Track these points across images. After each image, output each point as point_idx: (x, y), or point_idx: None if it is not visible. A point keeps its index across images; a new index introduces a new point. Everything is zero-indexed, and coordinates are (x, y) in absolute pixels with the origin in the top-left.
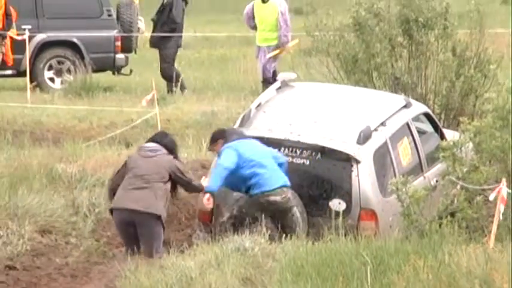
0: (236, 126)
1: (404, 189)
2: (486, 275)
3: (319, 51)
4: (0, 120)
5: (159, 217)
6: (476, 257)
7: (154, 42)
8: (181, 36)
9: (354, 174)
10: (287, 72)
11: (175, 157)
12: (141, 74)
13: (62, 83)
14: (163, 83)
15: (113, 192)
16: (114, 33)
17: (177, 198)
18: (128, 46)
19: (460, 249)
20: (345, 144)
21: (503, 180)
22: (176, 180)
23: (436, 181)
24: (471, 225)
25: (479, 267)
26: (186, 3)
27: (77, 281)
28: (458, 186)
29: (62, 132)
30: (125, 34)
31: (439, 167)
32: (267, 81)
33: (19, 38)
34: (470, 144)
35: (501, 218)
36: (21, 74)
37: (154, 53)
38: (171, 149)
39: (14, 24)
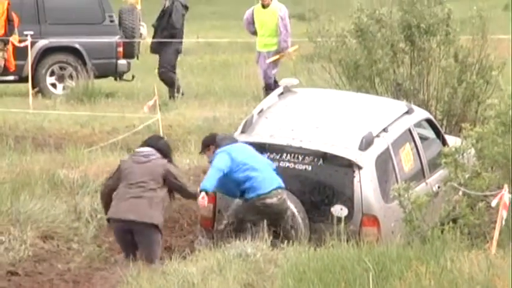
0: (238, 132)
1: (406, 195)
2: (488, 281)
3: (321, 57)
4: (2, 126)
5: (156, 226)
6: (478, 263)
7: (155, 48)
8: (181, 42)
9: (356, 180)
10: (289, 78)
11: (170, 161)
12: (143, 79)
13: (64, 88)
14: (165, 88)
15: (106, 196)
16: (116, 39)
17: (174, 199)
18: (130, 52)
19: (462, 255)
20: (347, 150)
21: (506, 186)
22: (169, 185)
23: (438, 187)
24: (473, 232)
25: (481, 273)
26: (187, 9)
27: (79, 287)
28: (460, 193)
29: (64, 138)
30: (127, 40)
31: (441, 173)
32: (268, 88)
33: (21, 45)
34: (472, 150)
35: (503, 223)
36: (23, 79)
37: (156, 58)
38: (165, 153)
39: (16, 30)
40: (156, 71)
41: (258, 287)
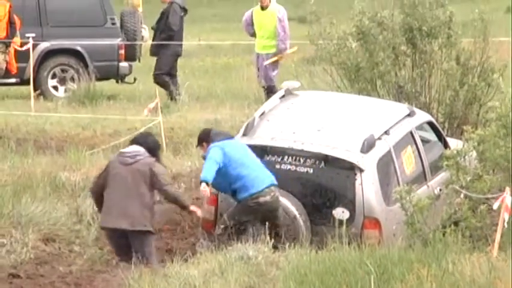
0: (240, 134)
1: (408, 198)
2: (490, 283)
3: (322, 60)
4: (4, 129)
5: (147, 230)
6: (480, 266)
7: (154, 51)
8: (180, 45)
9: (357, 182)
10: (291, 81)
11: (158, 159)
12: (144, 82)
13: (65, 91)
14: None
15: (96, 194)
16: (117, 41)
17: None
18: (131, 54)
19: (463, 258)
20: (348, 152)
21: (507, 189)
22: (152, 184)
23: (440, 190)
24: (475, 234)
25: (483, 276)
26: (185, 11)
27: None
28: (462, 195)
29: (66, 141)
30: (129, 42)
31: (442, 175)
32: (270, 90)
33: (23, 48)
34: (474, 153)
35: (505, 226)
36: (24, 82)
37: None
38: (153, 150)
39: (18, 32)
40: (153, 73)
41: None
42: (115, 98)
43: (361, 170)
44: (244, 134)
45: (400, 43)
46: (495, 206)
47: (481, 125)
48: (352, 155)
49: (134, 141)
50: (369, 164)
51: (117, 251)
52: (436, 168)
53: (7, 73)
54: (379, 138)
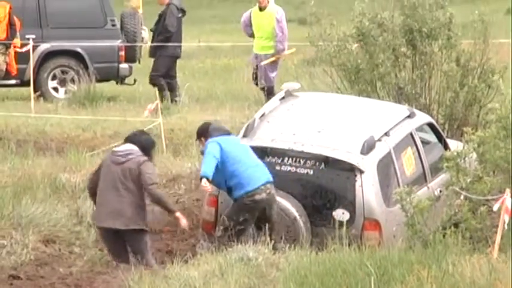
0: (240, 136)
1: (408, 199)
2: (490, 285)
3: (322, 61)
4: (4, 130)
5: (141, 229)
6: (480, 268)
7: (152, 53)
8: (179, 47)
9: (357, 184)
10: (291, 82)
11: (150, 158)
12: (145, 83)
13: (65, 92)
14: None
15: (91, 191)
16: (118, 43)
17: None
18: (131, 56)
19: (463, 260)
20: (348, 154)
21: (507, 190)
22: (141, 184)
23: (440, 191)
24: (475, 236)
25: (483, 277)
26: (183, 12)
27: None
28: (462, 197)
29: (66, 142)
30: (129, 44)
31: (442, 177)
32: (269, 91)
33: (23, 49)
34: (474, 155)
35: (505, 228)
36: (25, 83)
37: None
38: (147, 149)
39: (18, 33)
40: (149, 74)
41: None
42: (115, 99)
43: (361, 172)
44: (244, 136)
45: (400, 44)
46: (495, 208)
47: (481, 127)
48: (352, 156)
49: (128, 139)
50: (369, 165)
51: (113, 253)
52: (436, 169)
53: (7, 74)
54: (379, 140)
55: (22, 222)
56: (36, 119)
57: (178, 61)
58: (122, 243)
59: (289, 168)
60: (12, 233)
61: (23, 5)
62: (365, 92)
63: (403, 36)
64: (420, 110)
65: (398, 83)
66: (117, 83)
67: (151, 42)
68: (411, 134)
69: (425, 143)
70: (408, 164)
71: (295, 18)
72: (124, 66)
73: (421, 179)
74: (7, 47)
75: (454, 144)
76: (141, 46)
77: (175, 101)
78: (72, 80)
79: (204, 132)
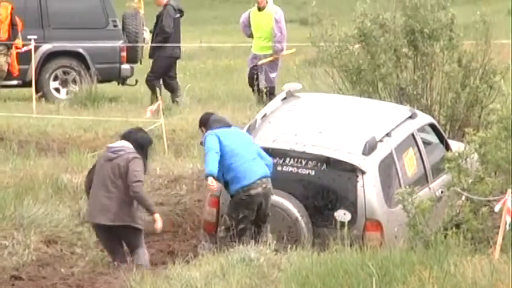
0: None
1: (410, 200)
2: (491, 286)
3: (324, 62)
4: (6, 131)
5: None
6: (482, 268)
7: (152, 53)
8: (178, 47)
9: (359, 184)
10: (292, 83)
11: (145, 156)
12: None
13: (67, 93)
14: (168, 92)
15: (88, 189)
16: (119, 43)
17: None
18: (133, 56)
19: (465, 260)
20: (350, 154)
21: (509, 191)
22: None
23: (441, 192)
24: (476, 237)
25: (484, 278)
26: (181, 12)
27: None
28: (464, 197)
29: (68, 143)
30: (131, 44)
31: (444, 177)
32: (271, 92)
33: (22, 50)
34: (476, 155)
35: (507, 228)
36: (26, 84)
37: None
38: (142, 146)
39: (19, 34)
40: (146, 75)
41: None
42: (117, 100)
43: (363, 172)
44: None
45: (401, 45)
46: (497, 208)
47: (483, 127)
48: (353, 157)
49: (123, 136)
50: (370, 166)
51: (107, 249)
52: (437, 170)
53: (9, 75)
54: (381, 141)
55: (24, 222)
56: (38, 120)
57: (179, 62)
58: (116, 240)
59: (290, 168)
60: (14, 233)
61: (25, 5)
62: (366, 92)
63: (405, 37)
64: (422, 110)
65: (399, 83)
66: (118, 84)
67: (151, 43)
68: (413, 135)
69: (426, 143)
70: (410, 165)
71: (296, 19)
72: (126, 66)
73: (423, 180)
74: (9, 47)
75: (456, 145)
76: (142, 47)
77: (176, 101)
78: (74, 81)
79: (205, 122)
